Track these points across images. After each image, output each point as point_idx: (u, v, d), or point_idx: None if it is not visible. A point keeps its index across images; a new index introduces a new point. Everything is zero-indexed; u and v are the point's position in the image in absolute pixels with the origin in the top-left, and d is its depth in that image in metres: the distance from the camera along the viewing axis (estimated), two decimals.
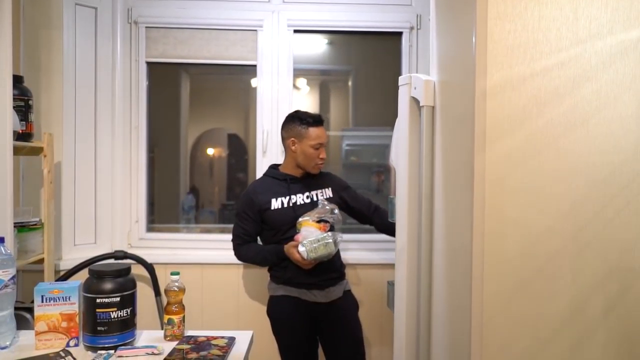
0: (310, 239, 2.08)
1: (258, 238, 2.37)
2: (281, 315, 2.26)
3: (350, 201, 2.42)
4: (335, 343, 2.28)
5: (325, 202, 2.18)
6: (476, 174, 1.21)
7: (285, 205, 2.24)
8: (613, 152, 1.23)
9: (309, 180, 2.32)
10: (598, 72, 1.21)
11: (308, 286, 2.23)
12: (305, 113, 2.28)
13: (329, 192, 2.34)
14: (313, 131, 2.24)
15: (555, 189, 1.23)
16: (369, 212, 2.44)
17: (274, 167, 2.38)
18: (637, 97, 1.22)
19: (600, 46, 1.21)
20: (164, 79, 3.01)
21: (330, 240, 2.09)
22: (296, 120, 2.26)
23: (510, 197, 1.22)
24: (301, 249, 2.08)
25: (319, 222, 2.13)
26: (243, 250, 2.31)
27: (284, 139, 2.33)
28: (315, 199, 2.28)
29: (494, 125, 1.21)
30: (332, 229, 2.18)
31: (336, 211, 2.17)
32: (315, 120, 2.26)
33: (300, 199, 2.27)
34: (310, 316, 2.25)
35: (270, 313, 2.30)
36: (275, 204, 2.24)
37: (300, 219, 2.16)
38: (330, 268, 2.24)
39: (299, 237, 2.13)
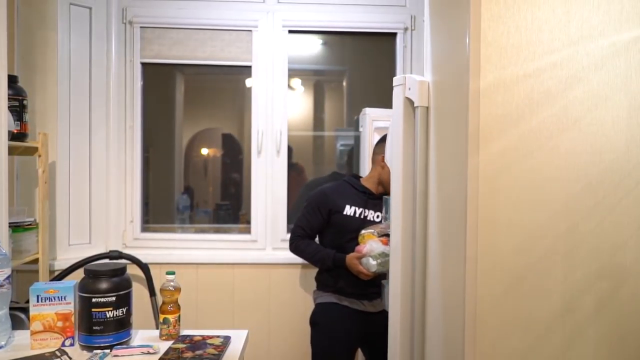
0: (378, 252, 2.11)
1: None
2: (328, 321, 2.27)
3: None
4: (381, 351, 2.27)
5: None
6: (470, 173, 1.22)
7: (357, 215, 2.29)
8: (604, 151, 1.24)
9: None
10: (590, 73, 1.23)
11: (358, 296, 2.28)
12: None
13: None
14: None
15: (548, 188, 1.24)
16: None
17: (355, 177, 2.43)
18: (628, 97, 1.24)
19: (592, 48, 1.23)
20: (159, 79, 3.01)
21: None
22: None
23: (503, 196, 1.23)
24: (372, 262, 2.11)
25: (381, 236, 2.16)
26: (302, 244, 2.34)
27: (375, 154, 2.36)
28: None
29: (488, 126, 1.22)
30: None
31: None
32: None
33: (371, 215, 2.31)
34: (357, 324, 2.27)
35: (316, 320, 2.32)
36: (349, 210, 2.29)
37: (363, 232, 2.19)
38: (375, 282, 2.23)
39: (361, 248, 2.16)
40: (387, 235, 2.13)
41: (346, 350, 2.27)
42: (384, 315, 2.23)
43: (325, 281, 2.34)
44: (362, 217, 2.29)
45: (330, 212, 2.30)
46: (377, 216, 2.31)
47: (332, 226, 2.32)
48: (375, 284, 2.24)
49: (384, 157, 2.26)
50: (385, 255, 2.11)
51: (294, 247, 2.38)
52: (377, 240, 2.16)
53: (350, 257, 2.19)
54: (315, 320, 2.33)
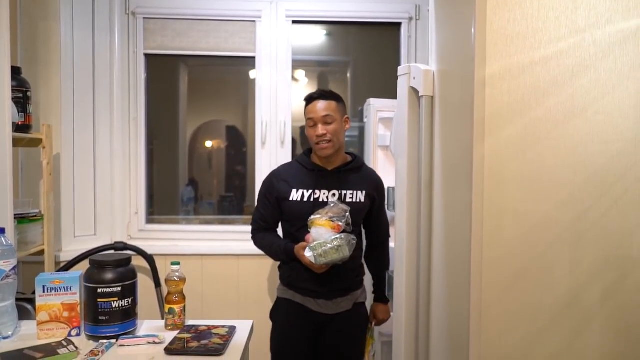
0: (319, 242, 1.81)
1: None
2: (281, 319, 2.05)
3: (374, 213, 2.11)
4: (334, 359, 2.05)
5: (337, 202, 1.91)
6: (475, 162, 1.22)
7: (306, 199, 1.97)
8: (611, 140, 1.23)
9: (341, 177, 2.01)
10: (597, 61, 1.22)
11: (314, 294, 1.98)
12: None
13: (360, 196, 2.01)
14: (308, 108, 2.00)
15: (554, 178, 1.23)
16: (377, 238, 2.17)
17: (306, 154, 2.09)
18: (636, 86, 1.23)
19: (599, 35, 1.21)
20: (163, 71, 3.00)
21: (343, 243, 1.79)
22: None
23: (508, 185, 1.23)
24: (308, 253, 1.81)
25: (332, 221, 1.83)
26: (259, 237, 2.09)
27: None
28: (344, 199, 1.98)
29: (493, 115, 1.21)
30: (346, 230, 1.86)
31: (347, 214, 1.85)
32: (311, 96, 2.01)
33: (324, 195, 1.97)
34: (311, 327, 2.00)
35: (271, 316, 2.10)
36: (295, 195, 1.97)
37: (311, 217, 1.86)
38: (341, 277, 1.95)
39: (309, 237, 1.87)
40: (338, 218, 1.85)
41: (300, 353, 1.99)
42: (342, 317, 1.99)
43: (282, 273, 2.08)
44: (311, 200, 1.96)
45: (278, 200, 2.01)
46: (333, 194, 1.97)
47: (283, 214, 2.03)
48: (341, 280, 1.97)
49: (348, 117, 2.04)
50: (326, 243, 1.79)
51: (254, 242, 2.12)
52: (324, 226, 1.83)
53: (297, 248, 1.90)
54: (271, 316, 2.10)
